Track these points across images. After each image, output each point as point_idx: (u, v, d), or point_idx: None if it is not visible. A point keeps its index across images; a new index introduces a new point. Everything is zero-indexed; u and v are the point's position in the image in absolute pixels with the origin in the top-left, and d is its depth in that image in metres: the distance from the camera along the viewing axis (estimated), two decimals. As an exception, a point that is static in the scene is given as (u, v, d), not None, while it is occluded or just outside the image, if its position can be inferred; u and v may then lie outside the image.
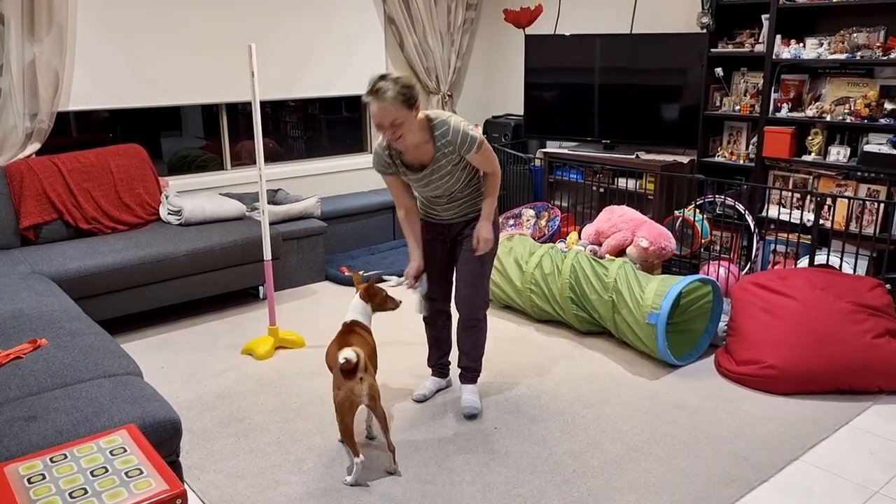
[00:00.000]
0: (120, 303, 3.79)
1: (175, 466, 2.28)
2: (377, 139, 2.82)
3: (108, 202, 4.21)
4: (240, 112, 5.12)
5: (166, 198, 4.36)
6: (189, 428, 2.99)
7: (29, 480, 1.79)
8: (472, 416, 3.04)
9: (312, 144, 5.64)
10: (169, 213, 4.30)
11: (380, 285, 2.98)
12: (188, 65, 4.67)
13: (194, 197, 4.40)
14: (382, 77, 2.54)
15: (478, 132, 2.73)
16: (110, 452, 1.92)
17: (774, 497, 2.53)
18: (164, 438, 2.18)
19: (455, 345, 3.16)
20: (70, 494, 1.74)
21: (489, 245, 2.85)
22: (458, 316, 3.04)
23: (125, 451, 1.93)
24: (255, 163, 5.19)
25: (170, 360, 3.63)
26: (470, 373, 3.14)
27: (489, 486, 2.59)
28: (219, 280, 4.12)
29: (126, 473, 1.82)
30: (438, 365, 3.27)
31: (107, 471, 1.83)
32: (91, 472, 1.82)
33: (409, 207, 2.93)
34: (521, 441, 2.88)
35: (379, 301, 2.95)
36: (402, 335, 3.92)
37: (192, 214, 4.23)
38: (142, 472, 1.83)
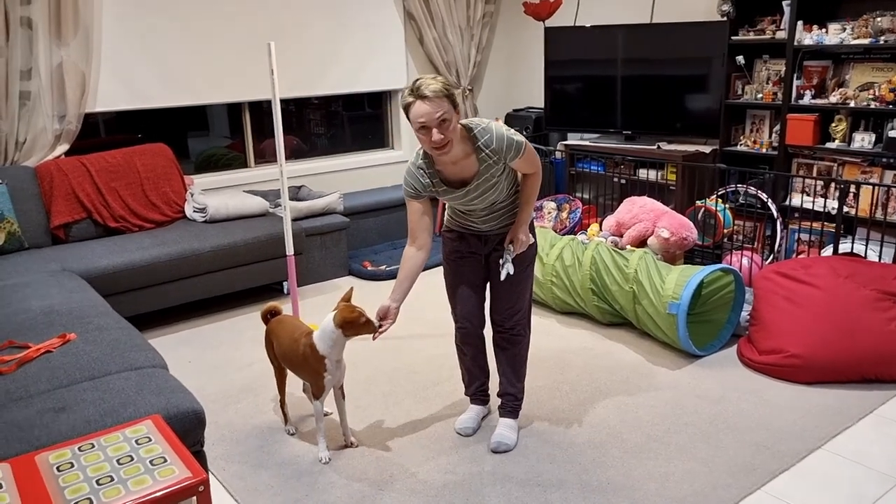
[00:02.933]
0: (147, 299, 3.87)
1: (199, 456, 2.33)
2: (412, 154, 2.50)
3: (135, 201, 4.29)
4: (264, 110, 5.19)
5: (191, 196, 4.44)
6: (215, 420, 3.05)
7: (58, 468, 1.85)
8: (498, 452, 2.76)
9: (336, 141, 5.69)
10: (194, 211, 4.38)
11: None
12: (212, 64, 4.74)
13: (219, 194, 4.47)
14: (418, 78, 2.35)
15: (519, 135, 2.52)
16: (136, 442, 1.98)
17: (795, 486, 2.52)
18: (188, 428, 2.23)
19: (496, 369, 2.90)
20: (97, 482, 1.79)
21: (525, 245, 2.60)
22: (498, 335, 2.79)
23: (150, 440, 1.98)
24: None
25: (196, 355, 3.70)
26: (510, 402, 2.84)
27: (509, 475, 2.61)
28: (243, 276, 4.18)
29: (151, 462, 1.88)
30: (478, 393, 2.97)
31: (132, 459, 1.89)
32: (117, 461, 1.88)
33: (423, 246, 2.59)
34: (540, 431, 2.90)
35: (359, 325, 2.56)
36: (421, 328, 3.96)
37: (217, 212, 4.30)
38: (166, 461, 1.88)
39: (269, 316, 2.90)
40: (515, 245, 2.60)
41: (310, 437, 2.89)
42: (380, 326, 2.56)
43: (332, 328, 2.54)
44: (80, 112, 4.24)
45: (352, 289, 2.71)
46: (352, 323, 2.54)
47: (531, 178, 2.61)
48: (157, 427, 2.05)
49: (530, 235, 2.65)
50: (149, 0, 4.44)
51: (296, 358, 2.65)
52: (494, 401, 3.02)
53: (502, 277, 2.62)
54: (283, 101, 5.30)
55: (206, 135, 5.09)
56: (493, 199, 2.57)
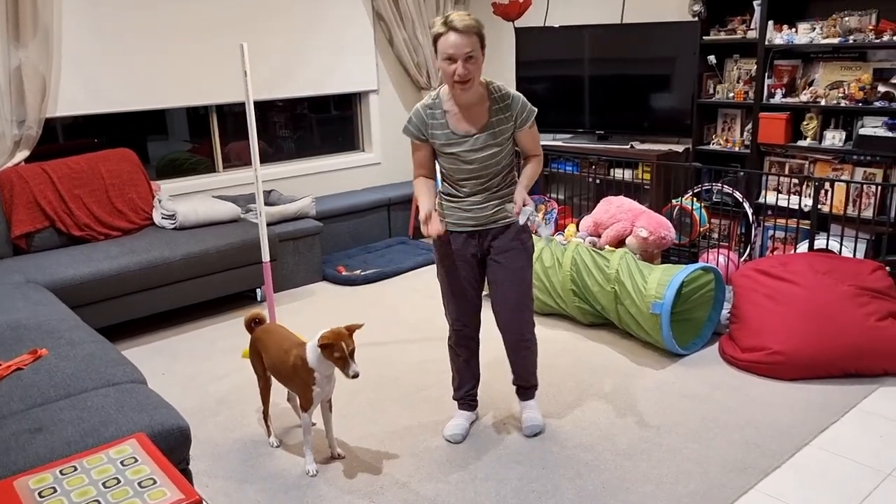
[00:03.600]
0: (117, 310, 3.73)
1: (185, 475, 2.24)
2: (426, 97, 2.59)
3: (100, 208, 4.15)
4: (226, 113, 5.06)
5: (159, 202, 4.30)
6: (194, 435, 2.94)
7: (40, 494, 1.75)
8: (535, 435, 2.84)
9: (303, 144, 5.58)
10: (163, 218, 4.24)
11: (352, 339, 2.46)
12: (177, 67, 4.60)
13: (188, 200, 4.35)
14: (450, 13, 2.40)
15: None
16: (121, 463, 1.88)
17: (789, 483, 2.52)
18: (173, 446, 2.14)
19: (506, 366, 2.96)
20: (84, 507, 1.70)
21: (524, 201, 2.49)
22: (507, 339, 2.79)
23: (136, 460, 1.89)
24: (245, 164, 5.14)
25: (169, 367, 3.57)
26: (527, 389, 2.93)
27: (503, 482, 2.56)
28: (216, 284, 4.07)
29: (139, 483, 1.78)
30: (467, 397, 2.93)
31: (119, 482, 1.79)
32: (103, 484, 1.78)
33: (430, 173, 2.64)
34: (531, 436, 2.86)
35: (333, 357, 2.43)
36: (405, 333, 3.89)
37: (187, 218, 4.17)
38: (155, 482, 1.79)
39: (254, 324, 2.80)
40: (517, 204, 2.51)
41: (295, 450, 2.80)
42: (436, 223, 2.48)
43: (315, 343, 2.46)
44: (41, 117, 4.07)
45: (362, 325, 2.55)
46: (329, 348, 2.42)
47: (534, 160, 2.64)
48: (142, 446, 1.96)
49: (528, 199, 2.52)
50: (112, 3, 4.28)
51: (285, 369, 2.56)
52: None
53: (521, 221, 2.51)
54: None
55: (166, 139, 4.94)
56: (489, 163, 2.54)
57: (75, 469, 1.85)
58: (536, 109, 2.59)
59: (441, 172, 2.68)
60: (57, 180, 4.03)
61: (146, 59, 4.48)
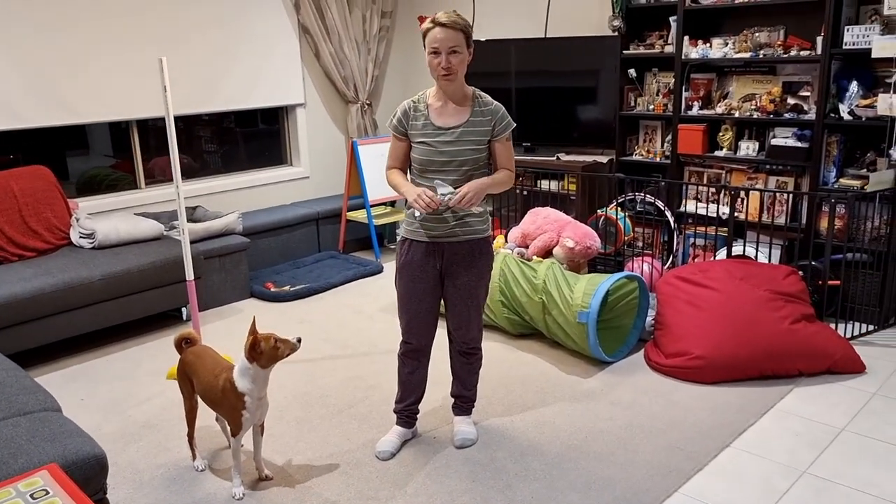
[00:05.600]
0: (33, 334, 3.58)
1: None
2: (409, 97, 2.74)
3: (12, 228, 3.97)
4: (150, 128, 4.93)
5: (77, 220, 4.15)
6: (115, 461, 2.84)
7: (-60, 534, 1.66)
8: (464, 447, 2.87)
9: (229, 159, 5.48)
10: (81, 237, 4.09)
11: (266, 334, 2.43)
12: (96, 81, 4.46)
13: (108, 218, 4.21)
14: (437, 13, 2.56)
15: None
16: (31, 496, 1.79)
17: (710, 485, 2.60)
18: (89, 476, 2.06)
19: (450, 374, 2.98)
20: (-12, 546, 1.61)
21: (469, 201, 2.50)
22: (454, 344, 2.87)
23: (47, 493, 1.81)
24: (169, 180, 5.01)
25: (90, 391, 3.44)
26: (465, 402, 2.97)
27: (432, 496, 2.56)
28: (138, 304, 3.94)
29: (50, 518, 1.71)
30: (406, 412, 2.91)
31: (28, 516, 1.71)
32: (11, 520, 1.70)
33: (401, 168, 2.71)
34: (460, 447, 2.86)
35: (269, 349, 2.42)
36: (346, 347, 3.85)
37: (107, 237, 4.04)
38: (67, 515, 1.71)
39: (184, 344, 2.72)
40: (461, 193, 2.50)
41: (221, 473, 2.74)
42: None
43: (247, 364, 2.42)
44: (-54, 133, 3.88)
45: (254, 318, 2.53)
46: (262, 352, 2.41)
47: (505, 172, 2.68)
48: (54, 477, 1.87)
49: (475, 193, 2.52)
50: (23, 13, 4.12)
51: (214, 394, 2.50)
52: (448, 402, 3.00)
53: (440, 193, 2.51)
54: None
55: (86, 154, 4.77)
56: (460, 160, 2.59)
57: (-20, 505, 1.76)
58: (515, 124, 2.69)
59: (412, 169, 2.69)
60: (-35, 200, 3.85)
61: (63, 73, 4.32)
